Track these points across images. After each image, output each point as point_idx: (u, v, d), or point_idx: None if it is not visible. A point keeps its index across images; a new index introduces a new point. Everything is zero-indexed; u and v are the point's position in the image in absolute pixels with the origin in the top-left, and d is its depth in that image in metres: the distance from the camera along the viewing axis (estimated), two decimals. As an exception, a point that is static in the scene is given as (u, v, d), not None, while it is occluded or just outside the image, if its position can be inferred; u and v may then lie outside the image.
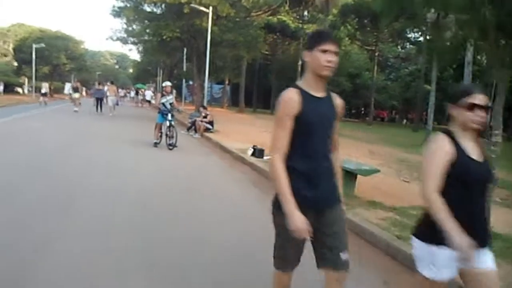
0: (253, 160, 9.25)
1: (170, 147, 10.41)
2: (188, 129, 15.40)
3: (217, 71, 23.01)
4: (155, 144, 10.74)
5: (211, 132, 14.98)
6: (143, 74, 63.19)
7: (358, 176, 6.25)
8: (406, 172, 8.96)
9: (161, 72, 47.95)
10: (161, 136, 10.95)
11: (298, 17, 42.08)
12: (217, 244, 4.21)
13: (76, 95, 23.07)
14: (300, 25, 39.65)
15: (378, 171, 6.27)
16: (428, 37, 37.31)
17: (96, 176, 6.76)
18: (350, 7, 36.48)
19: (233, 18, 20.60)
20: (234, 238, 4.46)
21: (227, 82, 43.19)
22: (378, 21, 37.95)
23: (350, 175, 6.16)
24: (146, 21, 21.31)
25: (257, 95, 50.68)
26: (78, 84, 25.53)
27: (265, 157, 9.55)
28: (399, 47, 54.06)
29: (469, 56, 13.52)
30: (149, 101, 30.08)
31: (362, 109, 52.24)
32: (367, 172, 5.96)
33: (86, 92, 49.87)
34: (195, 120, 15.39)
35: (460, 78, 39.08)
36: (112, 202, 5.34)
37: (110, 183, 6.36)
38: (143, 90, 41.67)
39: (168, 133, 10.56)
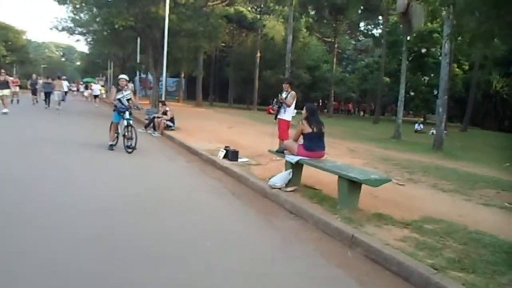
0: (227, 163, 8.09)
1: (129, 150, 9.03)
2: (146, 127, 13.97)
3: (174, 63, 21.46)
4: (111, 147, 9.32)
5: (172, 130, 13.64)
6: (92, 67, 60.02)
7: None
8: (396, 174, 8.14)
9: (112, 64, 45.41)
10: (117, 137, 9.54)
11: (255, 7, 41.03)
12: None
13: (6, 91, 17.26)
14: (258, 16, 38.63)
15: (390, 180, 5.32)
16: (387, 30, 37.48)
17: (34, 201, 5.02)
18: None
19: (192, 6, 19.19)
20: None
21: (182, 75, 41.39)
22: (337, 12, 37.65)
23: (354, 185, 5.17)
24: (95, 9, 19.41)
25: (214, 88, 49.32)
26: (8, 78, 18.69)
27: (240, 160, 8.42)
28: (353, 40, 54.39)
29: (446, 47, 13.01)
30: (96, 96, 27.53)
31: (320, 101, 52.02)
32: (378, 182, 4.99)
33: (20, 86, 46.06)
34: (153, 117, 13.99)
35: (416, 70, 39.71)
36: (55, 236, 3.98)
37: (52, 208, 4.89)
38: (92, 84, 39.08)
39: (126, 133, 9.17)
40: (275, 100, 60.10)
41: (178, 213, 5.07)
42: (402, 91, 17.87)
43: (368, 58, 49.09)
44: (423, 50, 39.23)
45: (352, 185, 5.17)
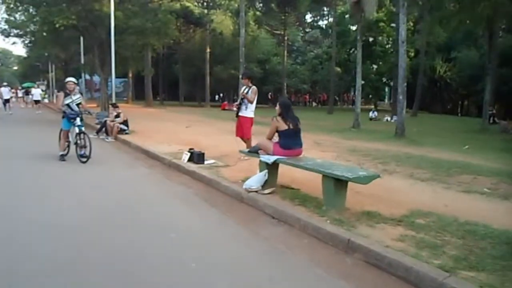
0: (193, 167, 7.53)
1: (83, 159, 8.23)
2: (98, 132, 13.05)
3: (122, 63, 20.32)
4: (62, 157, 8.46)
5: (127, 133, 12.82)
6: (32, 71, 56.64)
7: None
8: (369, 165, 7.92)
9: (54, 67, 42.96)
10: (68, 146, 8.70)
11: (202, 2, 40.14)
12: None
13: None
14: (205, 11, 37.80)
15: (378, 176, 5.00)
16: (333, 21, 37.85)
17: None
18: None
19: (137, 2, 18.17)
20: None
21: (130, 74, 39.82)
22: (285, 4, 37.52)
23: (340, 184, 4.82)
24: (31, 8, 17.90)
25: (163, 87, 48.02)
26: None
27: (206, 162, 7.88)
28: (301, 32, 54.74)
29: (403, 35, 12.99)
30: (37, 101, 25.41)
31: (271, 94, 51.90)
32: (367, 179, 4.66)
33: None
34: (105, 121, 13.09)
35: (365, 59, 40.37)
36: (11, 265, 3.37)
37: (4, 230, 4.27)
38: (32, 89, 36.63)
39: (78, 141, 8.35)
40: (221, 95, 59.04)
41: (151, 230, 4.49)
42: (359, 80, 17.93)
43: (317, 49, 49.52)
44: (371, 39, 40.08)
45: (338, 183, 4.82)
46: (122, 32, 17.26)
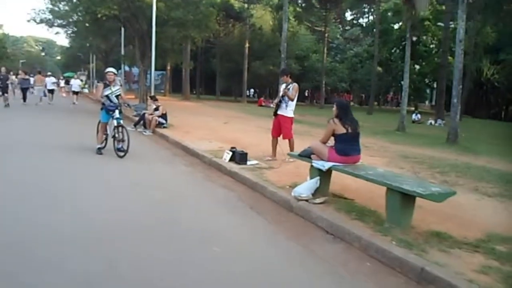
0: (235, 167, 7.06)
1: (121, 154, 7.92)
2: (135, 124, 12.83)
3: (162, 55, 20.12)
4: (99, 150, 8.18)
5: (165, 127, 12.53)
6: (74, 61, 57.97)
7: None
8: (426, 175, 7.23)
9: (95, 58, 43.66)
10: (106, 139, 8.42)
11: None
12: None
13: None
14: (245, 5, 37.36)
15: (455, 193, 4.35)
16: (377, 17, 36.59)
17: (7, 228, 4.00)
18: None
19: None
20: None
21: (168, 67, 39.93)
22: (327, 0, 36.57)
23: (407, 199, 4.22)
24: (74, -1, 17.95)
25: (200, 81, 48.02)
26: None
27: (249, 163, 7.40)
28: (340, 29, 53.49)
29: (461, 33, 12.00)
30: (76, 93, 24.46)
31: (308, 91, 51.03)
32: (442, 197, 4.04)
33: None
34: (143, 114, 12.85)
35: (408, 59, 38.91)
36: (39, 280, 2.97)
37: (32, 237, 3.90)
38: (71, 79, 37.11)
39: (116, 135, 8.04)
40: (252, 90, 58.05)
41: (193, 241, 4.02)
42: (406, 81, 17.03)
43: (356, 48, 48.24)
44: (414, 38, 38.53)
45: (405, 199, 4.21)
46: (163, 23, 17.01)
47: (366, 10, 54.32)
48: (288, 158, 7.86)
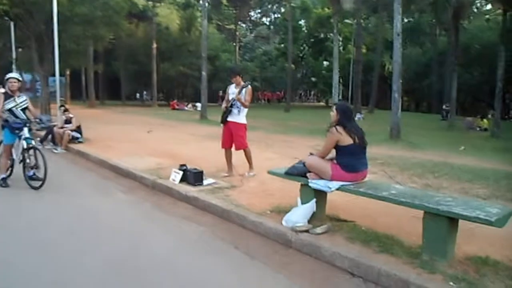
0: (191, 190, 5.70)
1: (36, 184, 6.09)
2: (42, 140, 10.66)
3: (66, 58, 17.41)
4: (4, 181, 6.27)
5: (80, 142, 10.57)
6: None
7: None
8: (403, 178, 6.57)
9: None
10: (11, 166, 6.52)
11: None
12: None
13: None
14: (150, 3, 35.09)
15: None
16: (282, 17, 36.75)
17: None
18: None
19: (82, -15, 15.59)
20: None
21: (68, 72, 36.18)
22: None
23: (452, 224, 3.33)
24: None
25: (103, 85, 44.46)
26: None
27: (205, 182, 6.09)
28: (249, 27, 53.33)
29: (398, 26, 11.75)
30: None
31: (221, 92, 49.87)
32: (504, 220, 3.18)
33: None
34: (51, 127, 10.73)
35: (317, 55, 39.86)
36: None
37: None
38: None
39: (27, 160, 6.20)
40: (144, 92, 54.91)
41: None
42: (335, 77, 16.61)
43: (265, 46, 48.36)
44: (322, 35, 39.52)
45: (451, 224, 3.32)
46: (66, 21, 14.60)
47: (270, 7, 54.69)
48: (247, 172, 6.73)
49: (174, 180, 6.18)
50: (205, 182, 6.09)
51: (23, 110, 6.43)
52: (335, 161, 4.18)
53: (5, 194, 5.95)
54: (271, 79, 44.62)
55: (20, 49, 21.67)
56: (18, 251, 3.83)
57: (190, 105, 33.85)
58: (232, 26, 38.04)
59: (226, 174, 6.69)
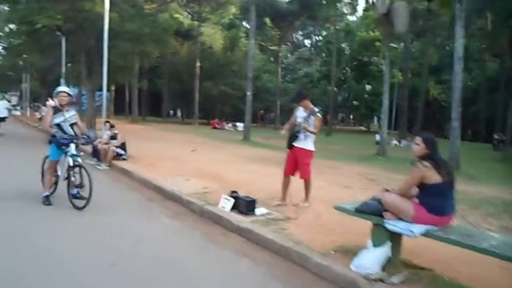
0: (243, 221, 5.22)
1: (79, 204, 5.80)
2: (94, 156, 10.59)
3: (114, 73, 17.62)
4: (47, 199, 6.02)
5: (124, 159, 10.41)
6: (3, 81, 52.76)
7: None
8: (475, 218, 5.86)
9: (29, 77, 39.62)
10: (55, 183, 6.29)
11: (191, 14, 38.01)
12: None
13: None
14: (196, 23, 35.68)
15: None
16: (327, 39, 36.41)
17: None
18: (251, 2, 33.58)
19: (133, 3, 15.74)
20: None
21: (113, 88, 37.04)
22: (280, 19, 35.86)
23: None
24: (7, 6, 15.15)
25: (146, 102, 45.36)
26: None
27: (258, 211, 5.61)
28: (290, 48, 53.27)
29: (460, 51, 11.07)
30: (2, 119, 16.77)
31: (261, 113, 49.96)
32: None
33: None
34: (96, 143, 10.62)
35: (361, 80, 39.12)
36: None
37: None
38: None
39: (72, 178, 5.94)
40: (178, 110, 54.77)
41: None
42: (385, 101, 15.92)
43: (307, 67, 48.06)
44: (366, 59, 38.79)
45: None
46: (116, 37, 14.78)
47: (313, 29, 54.55)
48: (303, 202, 6.20)
49: (224, 207, 5.74)
50: (257, 211, 5.61)
51: (71, 125, 6.22)
52: (416, 200, 3.61)
53: (49, 212, 5.68)
54: (312, 101, 43.99)
55: (69, 64, 22.22)
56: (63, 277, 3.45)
57: (230, 125, 33.87)
58: (275, 47, 37.89)
59: (279, 203, 6.19)
